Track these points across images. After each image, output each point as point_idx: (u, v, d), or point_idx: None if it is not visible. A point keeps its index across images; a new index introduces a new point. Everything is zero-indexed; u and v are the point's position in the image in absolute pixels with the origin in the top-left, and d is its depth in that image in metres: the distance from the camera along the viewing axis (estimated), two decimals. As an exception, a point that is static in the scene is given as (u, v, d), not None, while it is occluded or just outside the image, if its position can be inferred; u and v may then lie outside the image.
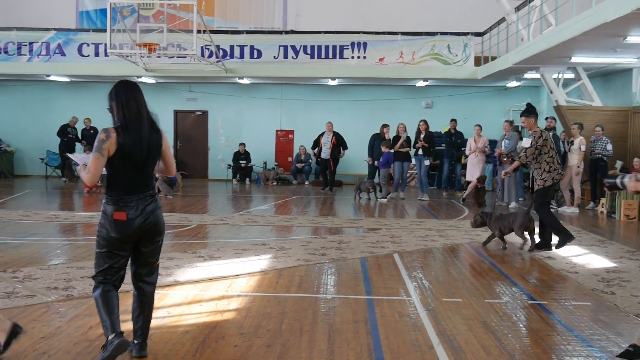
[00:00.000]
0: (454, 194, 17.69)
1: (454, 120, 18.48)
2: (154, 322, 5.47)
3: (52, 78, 20.63)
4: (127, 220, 4.43)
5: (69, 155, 5.61)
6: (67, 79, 21.03)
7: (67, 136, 19.80)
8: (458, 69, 19.15)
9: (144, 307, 4.70)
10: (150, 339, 5.06)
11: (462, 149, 17.65)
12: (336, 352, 4.94)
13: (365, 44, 19.30)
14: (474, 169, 15.58)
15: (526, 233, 9.33)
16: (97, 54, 19.46)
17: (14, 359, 4.61)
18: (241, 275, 7.46)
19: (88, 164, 4.46)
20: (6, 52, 19.69)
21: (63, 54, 19.60)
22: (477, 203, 15.04)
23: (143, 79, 20.31)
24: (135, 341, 4.71)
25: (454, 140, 18.14)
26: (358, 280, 7.40)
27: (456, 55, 19.16)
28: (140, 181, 4.53)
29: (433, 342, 5.20)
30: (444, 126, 19.90)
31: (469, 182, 15.66)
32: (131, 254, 4.67)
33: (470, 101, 21.39)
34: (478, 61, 19.13)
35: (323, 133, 18.41)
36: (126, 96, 4.49)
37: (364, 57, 19.31)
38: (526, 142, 9.39)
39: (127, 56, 17.17)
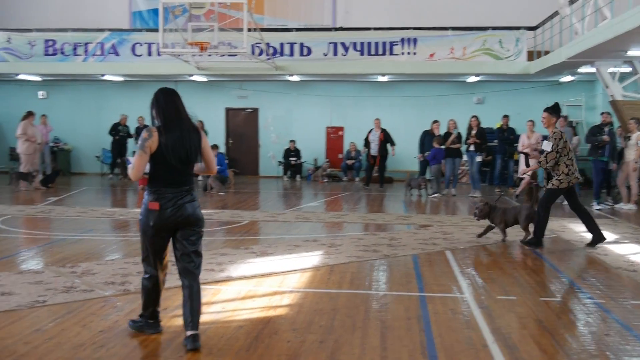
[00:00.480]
0: (507, 190, 17.46)
1: (506, 116, 18.21)
2: (208, 317, 5.57)
3: (106, 77, 21.05)
4: (160, 210, 4.82)
5: (128, 159, 5.85)
6: (121, 78, 21.43)
7: (119, 134, 20.17)
8: (510, 63, 18.87)
9: (191, 299, 4.89)
10: (204, 333, 5.15)
11: (515, 145, 17.40)
12: (389, 348, 4.94)
13: (415, 40, 19.17)
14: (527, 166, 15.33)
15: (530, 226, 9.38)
16: (149, 54, 19.76)
17: (73, 351, 4.72)
18: (293, 272, 7.50)
19: (133, 160, 4.86)
20: (62, 53, 20.16)
21: (117, 54, 19.97)
22: (531, 200, 14.79)
23: (194, 78, 20.59)
24: (188, 333, 4.83)
25: (506, 137, 17.87)
26: (410, 277, 7.37)
27: (508, 50, 18.88)
28: (178, 176, 4.91)
29: (487, 340, 5.15)
30: (495, 122, 19.65)
31: (521, 179, 15.43)
32: (170, 244, 5.03)
33: (522, 96, 21.06)
34: (531, 56, 18.82)
35: (371, 130, 18.37)
36: (165, 100, 4.95)
37: (414, 53, 19.18)
38: (546, 146, 9.06)
39: (179, 55, 17.40)
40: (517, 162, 17.14)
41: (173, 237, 5.00)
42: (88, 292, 6.40)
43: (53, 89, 22.71)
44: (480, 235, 9.71)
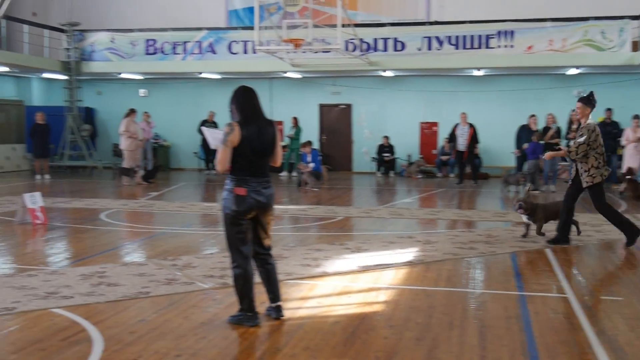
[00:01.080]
0: (610, 186, 16.82)
1: (609, 110, 17.54)
2: (304, 312, 5.64)
3: (204, 75, 21.57)
4: (245, 196, 5.16)
5: (203, 129, 6.08)
6: (217, 76, 21.90)
7: None
8: (613, 55, 18.13)
9: (270, 274, 5.44)
10: (302, 328, 5.21)
11: (618, 139, 16.72)
12: (488, 348, 4.84)
13: (512, 32, 18.71)
14: (631, 160, 14.72)
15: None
16: (245, 51, 20.11)
17: (176, 342, 4.86)
18: (388, 268, 7.47)
19: (217, 153, 5.18)
20: (162, 52, 20.80)
21: (214, 52, 20.42)
22: (635, 196, 14.21)
23: (289, 74, 20.80)
24: (273, 305, 5.45)
25: (610, 130, 17.22)
26: (508, 275, 7.20)
27: (611, 41, 18.14)
28: (258, 167, 5.26)
29: (592, 342, 4.97)
30: (597, 116, 18.93)
31: (626, 175, 14.81)
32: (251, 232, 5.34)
33: (627, 89, 20.18)
34: (635, 46, 18.02)
35: (457, 124, 18.00)
36: (243, 97, 5.32)
37: (511, 46, 18.72)
38: (581, 138, 8.63)
39: (274, 52, 17.62)
40: (620, 158, 16.47)
41: (252, 224, 5.34)
42: (189, 285, 6.58)
43: (153, 87, 23.47)
44: (525, 235, 9.34)
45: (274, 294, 5.47)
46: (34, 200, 10.53)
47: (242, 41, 20.15)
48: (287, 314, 5.53)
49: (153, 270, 7.19)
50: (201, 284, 6.63)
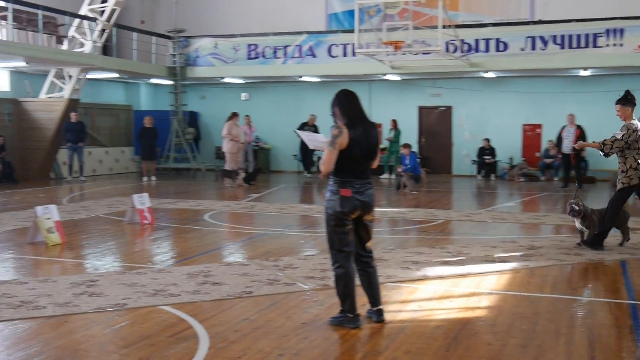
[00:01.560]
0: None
1: None
2: (405, 315, 5.61)
3: (304, 79, 21.82)
4: (350, 197, 5.21)
5: (298, 131, 6.12)
6: (317, 79, 22.10)
7: None
8: None
9: (371, 277, 5.45)
10: (403, 331, 5.18)
11: None
12: (598, 358, 4.66)
13: (621, 30, 17.96)
14: None
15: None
16: (345, 54, 20.21)
17: (279, 341, 4.93)
18: (491, 273, 7.32)
19: (322, 156, 5.22)
20: (264, 56, 21.20)
21: (314, 56, 20.63)
22: None
23: (388, 77, 20.75)
24: (374, 308, 5.46)
25: None
26: (618, 283, 6.92)
27: None
28: (362, 169, 5.30)
29: None
30: None
31: None
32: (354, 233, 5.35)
33: None
34: None
35: (565, 126, 17.42)
36: (347, 100, 5.35)
37: (620, 45, 17.96)
38: (619, 134, 8.23)
39: (374, 55, 17.62)
40: None
41: (354, 225, 5.35)
42: (290, 285, 6.66)
43: (255, 90, 23.93)
44: (580, 244, 8.83)
45: (375, 298, 5.47)
46: (142, 201, 10.94)
47: (341, 44, 20.26)
48: (387, 317, 5.51)
49: (255, 270, 7.33)
50: (302, 284, 6.70)
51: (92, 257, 8.32)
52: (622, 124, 8.40)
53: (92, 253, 8.59)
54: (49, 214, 9.10)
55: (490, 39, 19.06)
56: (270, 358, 4.60)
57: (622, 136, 8.25)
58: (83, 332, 5.22)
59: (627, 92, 8.41)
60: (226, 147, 17.92)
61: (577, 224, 8.81)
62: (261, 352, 4.70)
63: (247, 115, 20.61)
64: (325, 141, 5.40)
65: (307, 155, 20.96)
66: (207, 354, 4.65)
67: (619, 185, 8.45)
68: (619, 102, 8.45)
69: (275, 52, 21.10)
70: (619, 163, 8.43)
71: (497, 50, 18.99)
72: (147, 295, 6.24)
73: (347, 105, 5.32)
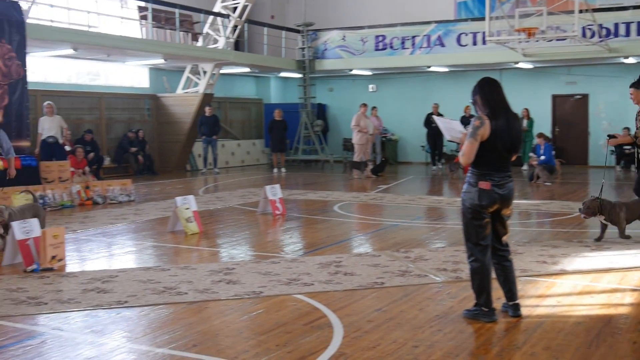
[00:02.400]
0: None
1: None
2: (543, 310, 5.45)
3: (432, 69, 21.57)
4: (490, 190, 5.07)
5: (435, 118, 5.96)
6: (445, 69, 21.79)
7: (431, 125, 20.28)
8: None
9: (507, 271, 5.31)
10: (541, 327, 5.03)
11: None
12: None
13: None
14: None
15: None
16: (474, 43, 19.81)
17: (413, 332, 4.90)
18: (635, 269, 6.95)
19: (463, 148, 5.08)
20: (391, 47, 21.14)
21: (442, 45, 20.35)
22: None
23: (520, 65, 20.14)
24: (510, 303, 5.32)
25: None
26: None
27: None
28: (503, 162, 5.14)
29: None
30: None
31: None
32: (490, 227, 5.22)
33: None
34: None
35: None
36: (490, 89, 5.13)
37: None
38: None
39: (505, 42, 17.14)
40: None
41: (491, 218, 5.21)
42: (422, 277, 6.61)
43: (382, 82, 23.91)
44: (599, 239, 8.25)
45: (511, 292, 5.32)
46: (274, 192, 11.19)
47: (471, 33, 19.87)
48: (524, 311, 5.35)
49: (386, 261, 7.33)
50: (434, 276, 6.63)
51: (228, 246, 8.61)
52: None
53: (227, 242, 8.88)
54: (188, 204, 9.49)
55: (631, 22, 18.07)
56: (404, 349, 4.58)
57: None
58: (222, 318, 5.42)
59: None
60: (355, 138, 18.00)
61: (602, 219, 8.37)
62: (395, 343, 4.70)
63: (374, 107, 20.61)
64: (462, 131, 5.31)
65: (435, 147, 20.66)
66: (342, 343, 4.70)
67: None
68: (633, 85, 8.17)
69: (403, 42, 20.99)
70: None
71: (639, 34, 17.97)
72: (281, 284, 6.38)
73: (489, 94, 5.13)
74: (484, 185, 5.08)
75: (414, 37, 20.81)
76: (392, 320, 5.22)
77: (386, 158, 20.25)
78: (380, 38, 21.33)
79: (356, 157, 18.03)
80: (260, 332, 5.01)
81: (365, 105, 18.40)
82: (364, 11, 23.62)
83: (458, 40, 20.12)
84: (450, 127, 5.55)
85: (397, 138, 23.50)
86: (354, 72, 22.90)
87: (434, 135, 19.94)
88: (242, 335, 4.97)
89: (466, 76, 21.67)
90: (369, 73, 23.31)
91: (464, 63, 20.38)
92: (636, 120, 8.19)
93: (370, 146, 18.90)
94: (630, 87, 8.28)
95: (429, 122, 20.12)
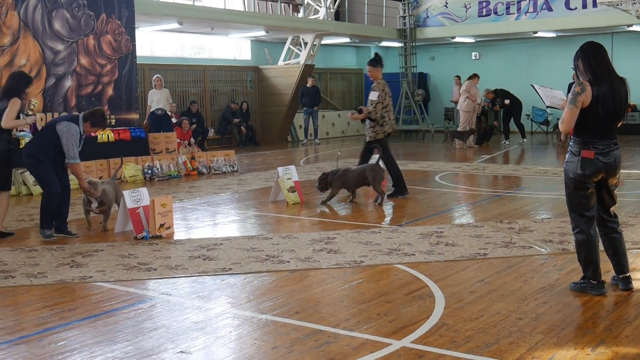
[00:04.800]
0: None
1: None
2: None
3: (538, 35, 20.82)
4: (593, 159, 4.87)
5: (535, 86, 5.71)
6: (553, 35, 20.98)
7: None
8: None
9: (617, 243, 5.08)
10: (654, 301, 4.81)
11: None
12: None
13: None
14: None
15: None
16: (584, 6, 18.93)
17: (517, 304, 4.80)
18: None
19: (562, 115, 4.93)
20: (496, 13, 20.51)
21: (550, 9, 19.57)
22: None
23: (634, 27, 19.11)
24: (621, 276, 5.11)
25: None
26: None
27: None
28: (607, 129, 4.91)
29: None
30: None
31: None
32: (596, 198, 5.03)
33: None
34: None
35: None
36: (593, 54, 4.92)
37: None
38: None
39: (618, 4, 16.30)
40: None
41: (597, 188, 5.02)
42: (526, 249, 6.45)
43: (485, 49, 23.29)
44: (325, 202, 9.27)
45: (622, 265, 5.10)
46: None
47: (581, -5, 19.00)
48: (635, 285, 5.14)
49: (489, 232, 7.19)
50: (539, 248, 6.46)
51: (329, 216, 8.67)
52: None
53: (327, 212, 8.94)
54: (290, 174, 9.61)
55: None
56: (508, 321, 4.49)
57: None
58: (323, 286, 5.47)
59: None
60: (462, 104, 17.62)
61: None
62: (498, 315, 4.61)
63: (476, 76, 20.07)
64: (563, 98, 5.11)
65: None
66: (444, 314, 4.65)
67: None
68: (369, 63, 9.27)
69: (507, 7, 20.33)
70: None
71: None
72: (382, 253, 6.38)
73: (591, 59, 4.91)
74: (587, 154, 4.88)
75: (519, 1, 20.09)
76: (495, 292, 5.13)
77: (492, 126, 19.64)
78: (484, 4, 20.72)
79: (461, 125, 17.66)
80: (361, 300, 5.03)
81: (477, 76, 17.83)
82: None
83: (567, 3, 19.27)
84: (550, 94, 5.38)
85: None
86: (457, 39, 22.39)
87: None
88: (343, 304, 5.01)
89: (575, 41, 20.55)
90: (472, 40, 22.73)
91: (573, 27, 19.50)
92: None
93: (475, 116, 18.45)
94: (368, 64, 9.81)
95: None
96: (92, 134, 7.22)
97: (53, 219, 7.39)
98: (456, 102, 19.78)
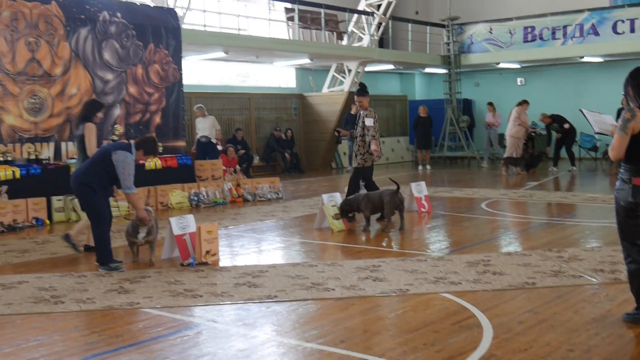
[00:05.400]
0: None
1: None
2: None
3: (585, 59, 20.57)
4: None
5: (584, 111, 5.60)
6: (600, 59, 20.71)
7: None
8: None
9: None
10: None
11: None
12: None
13: None
14: None
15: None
16: (632, 30, 18.70)
17: (567, 335, 4.69)
18: None
19: (612, 142, 4.74)
20: (541, 38, 20.37)
21: (597, 34, 19.36)
22: None
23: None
24: None
25: None
26: None
27: None
28: None
29: None
30: None
31: None
32: None
33: None
34: None
35: None
36: None
37: None
38: None
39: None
40: None
41: None
42: (576, 278, 6.31)
43: (531, 75, 23.11)
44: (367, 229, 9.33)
45: None
46: (420, 189, 11.10)
47: (628, 19, 18.78)
48: (692, 317, 4.98)
49: (537, 261, 7.06)
50: (590, 277, 6.31)
51: (374, 243, 8.63)
52: None
53: (373, 239, 8.91)
54: (334, 202, 9.61)
55: None
56: (558, 353, 4.39)
57: None
58: (369, 315, 5.43)
59: None
60: (512, 130, 17.39)
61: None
62: (548, 346, 4.51)
63: (490, 103, 19.92)
64: (613, 124, 5.02)
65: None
66: (492, 344, 4.57)
67: None
68: (358, 94, 9.56)
69: (553, 33, 20.16)
70: None
71: None
72: (428, 282, 6.31)
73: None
74: (639, 181, 4.75)
75: (565, 26, 19.92)
76: (545, 322, 5.02)
77: (540, 153, 19.33)
78: (529, 29, 20.60)
79: (508, 151, 17.45)
80: (408, 330, 4.98)
81: (527, 102, 17.63)
82: (511, 2, 22.91)
83: (614, 28, 19.05)
84: (599, 120, 5.29)
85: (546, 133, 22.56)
86: (502, 65, 22.26)
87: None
88: (389, 333, 4.96)
89: (623, 66, 20.40)
90: (517, 66, 22.58)
91: (621, 52, 19.25)
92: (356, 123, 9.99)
93: (522, 143, 18.20)
94: (357, 95, 10.02)
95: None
96: (142, 162, 7.17)
97: (111, 249, 7.23)
98: (488, 127, 19.68)
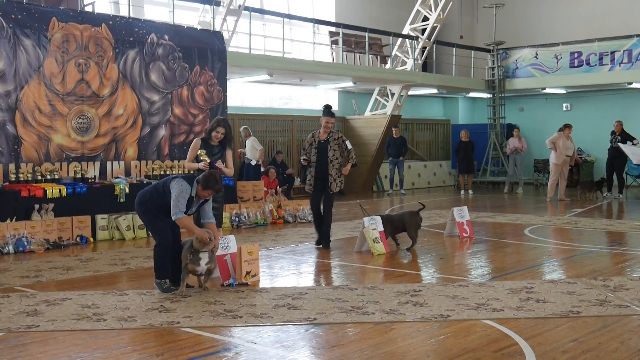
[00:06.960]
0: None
1: None
2: None
3: (633, 86, 20.23)
4: None
5: (621, 145, 5.44)
6: (648, 86, 20.39)
7: (611, 143, 18.47)
8: None
9: None
10: None
11: None
12: None
13: None
14: None
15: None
16: (682, 57, 18.35)
17: (613, 368, 4.57)
18: None
19: None
20: (588, 64, 20.11)
21: (645, 60, 19.05)
22: None
23: None
24: None
25: None
26: None
27: None
28: None
29: None
30: None
31: None
32: None
33: None
34: None
35: None
36: None
37: None
38: None
39: None
40: None
41: None
42: (623, 308, 6.16)
43: (577, 100, 22.81)
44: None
45: None
46: (462, 214, 10.99)
47: (678, 46, 18.43)
48: None
49: (583, 289, 6.91)
50: (637, 307, 6.15)
51: (415, 268, 8.56)
52: None
53: (414, 263, 8.83)
54: (375, 225, 9.56)
55: None
56: (604, 385, 4.28)
57: None
58: (409, 340, 5.37)
59: None
60: (551, 156, 17.16)
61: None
62: (593, 377, 4.40)
63: (516, 128, 19.73)
64: None
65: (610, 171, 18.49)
66: (534, 374, 4.48)
67: None
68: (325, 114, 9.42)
69: (601, 58, 19.90)
70: None
71: None
72: (469, 308, 6.22)
73: None
74: None
75: (613, 52, 19.65)
76: (590, 352, 4.90)
77: (599, 180, 18.62)
78: (576, 55, 20.37)
79: (552, 178, 17.16)
80: (448, 356, 4.90)
81: (568, 127, 17.14)
82: (557, 27, 22.72)
83: (663, 54, 18.74)
84: (637, 153, 5.16)
85: (594, 159, 22.21)
86: (547, 90, 22.03)
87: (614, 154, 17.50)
88: (429, 359, 4.89)
89: (672, 92, 20.10)
90: (563, 91, 22.32)
91: (670, 78, 18.93)
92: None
93: (567, 168, 17.85)
94: (330, 117, 10.29)
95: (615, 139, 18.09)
96: (206, 197, 7.05)
97: (168, 270, 7.12)
98: (514, 152, 19.57)
